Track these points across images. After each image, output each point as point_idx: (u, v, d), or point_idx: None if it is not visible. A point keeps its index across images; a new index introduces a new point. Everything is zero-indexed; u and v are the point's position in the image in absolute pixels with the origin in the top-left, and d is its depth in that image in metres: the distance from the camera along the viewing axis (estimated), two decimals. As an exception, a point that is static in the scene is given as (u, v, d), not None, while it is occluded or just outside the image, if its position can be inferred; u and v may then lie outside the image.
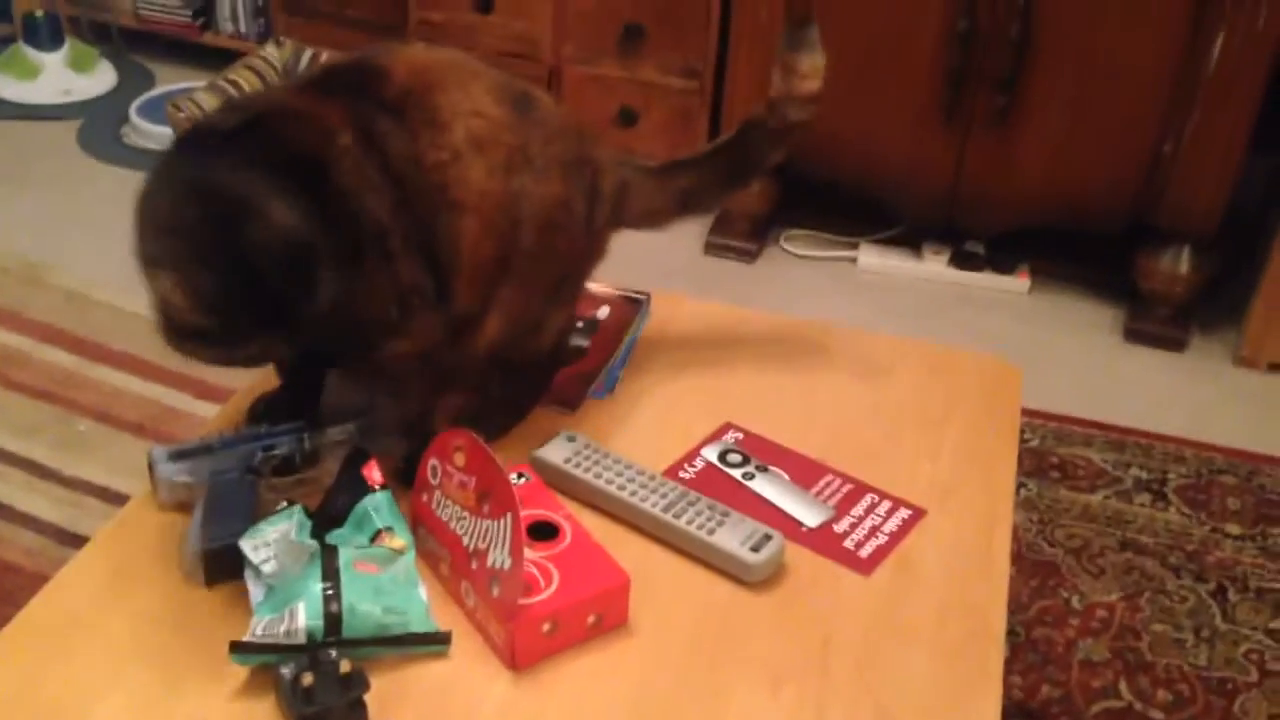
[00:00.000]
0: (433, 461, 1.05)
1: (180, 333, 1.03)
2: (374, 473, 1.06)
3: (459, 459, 1.02)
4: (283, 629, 0.94)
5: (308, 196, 0.98)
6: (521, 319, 1.15)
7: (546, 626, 0.97)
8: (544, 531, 1.04)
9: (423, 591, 0.99)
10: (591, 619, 1.00)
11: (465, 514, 1.01)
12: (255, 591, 0.98)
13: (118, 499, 1.90)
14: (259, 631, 0.94)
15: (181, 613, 1.00)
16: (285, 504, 1.04)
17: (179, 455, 1.11)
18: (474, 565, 0.99)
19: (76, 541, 1.82)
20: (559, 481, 1.14)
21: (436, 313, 1.08)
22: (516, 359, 1.19)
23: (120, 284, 2.41)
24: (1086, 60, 2.30)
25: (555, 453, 1.16)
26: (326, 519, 1.03)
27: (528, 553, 0.99)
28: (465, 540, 1.00)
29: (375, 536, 1.01)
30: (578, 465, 1.14)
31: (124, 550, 1.07)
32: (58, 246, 2.53)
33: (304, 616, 0.94)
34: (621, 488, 1.12)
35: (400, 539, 1.01)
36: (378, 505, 1.04)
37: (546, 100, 1.16)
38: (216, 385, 2.12)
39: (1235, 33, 2.18)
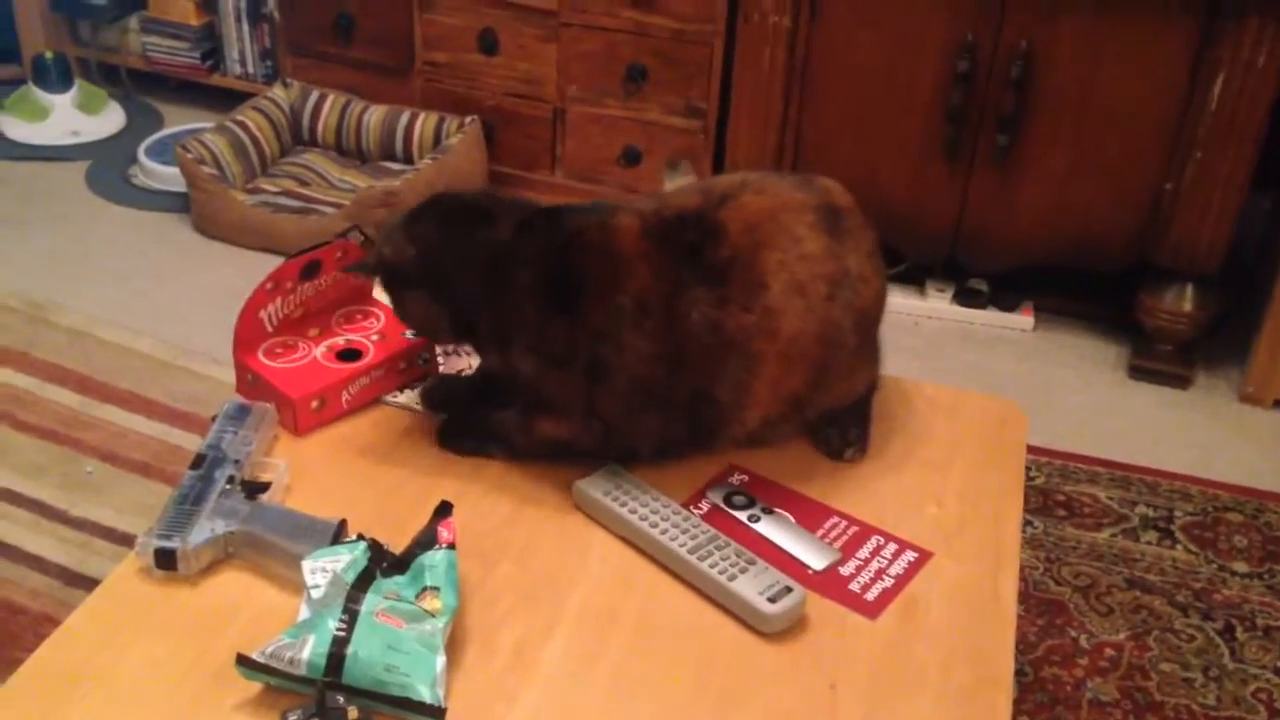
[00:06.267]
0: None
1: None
2: (446, 531, 1.08)
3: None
4: (289, 655, 0.96)
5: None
6: (848, 392, 1.29)
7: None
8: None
9: (440, 661, 0.98)
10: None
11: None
12: (303, 611, 1.02)
13: (125, 540, 1.90)
14: (268, 651, 0.97)
15: (189, 661, 1.01)
16: (357, 537, 1.07)
17: (167, 532, 1.10)
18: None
19: (84, 582, 1.82)
20: (596, 512, 1.18)
21: (595, 434, 1.21)
22: (856, 393, 1.31)
23: (128, 323, 2.43)
24: (1087, 99, 2.31)
25: (597, 485, 1.19)
26: (394, 562, 1.06)
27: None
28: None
29: (421, 593, 1.02)
30: (616, 499, 1.17)
31: (132, 596, 1.07)
32: (65, 286, 2.55)
33: (309, 649, 0.96)
34: (654, 525, 1.14)
35: (439, 602, 1.02)
36: (435, 563, 1.05)
37: (846, 202, 1.26)
38: (223, 425, 2.12)
39: (1235, 72, 2.19)
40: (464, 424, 1.28)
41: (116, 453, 2.08)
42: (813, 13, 2.39)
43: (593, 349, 1.17)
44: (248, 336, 1.31)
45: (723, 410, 1.20)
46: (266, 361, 1.30)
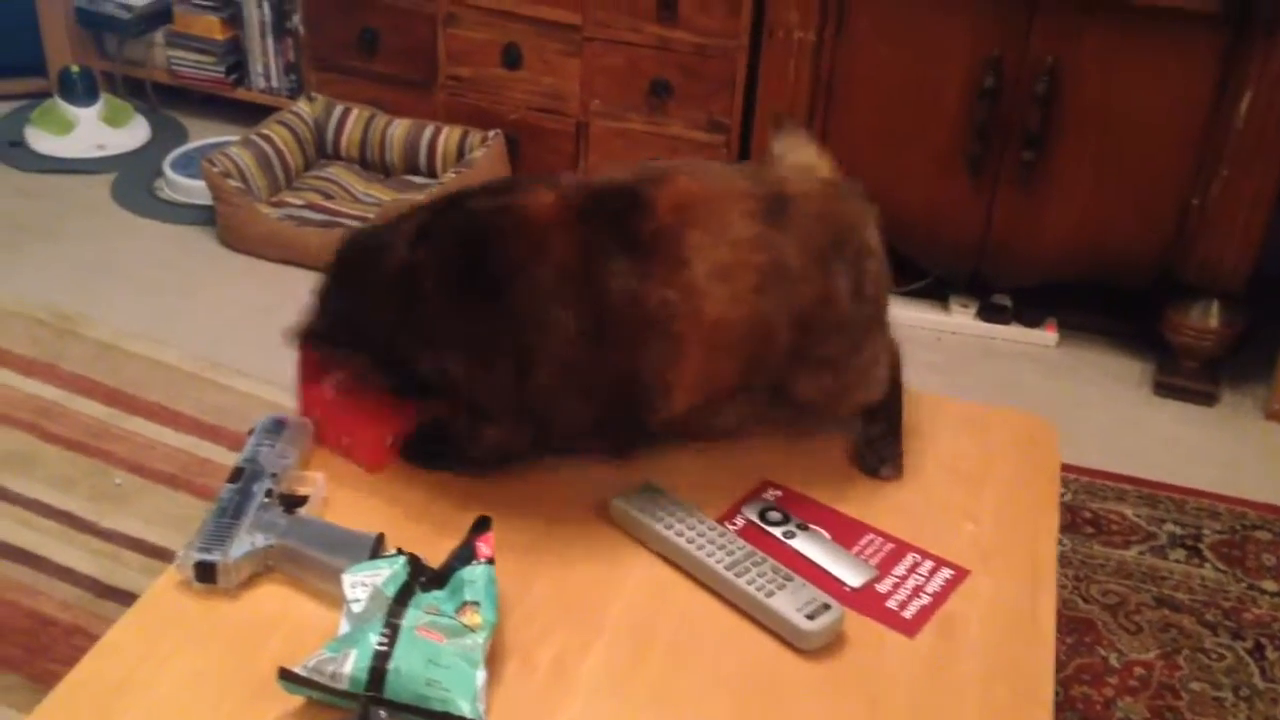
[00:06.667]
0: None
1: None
2: (484, 546, 1.08)
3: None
4: (330, 670, 0.96)
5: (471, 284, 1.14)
6: (816, 394, 1.24)
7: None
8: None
9: (481, 676, 0.98)
10: None
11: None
12: (343, 624, 1.02)
13: (154, 551, 1.90)
14: (310, 664, 0.97)
15: (230, 674, 1.01)
16: (397, 551, 1.07)
17: (207, 545, 1.10)
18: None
19: (114, 594, 1.82)
20: (632, 527, 1.18)
21: (523, 430, 1.19)
22: (852, 411, 1.29)
23: (154, 335, 2.44)
24: (1114, 115, 2.31)
25: (633, 501, 1.19)
26: (433, 576, 1.06)
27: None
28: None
29: (460, 608, 1.02)
30: (652, 515, 1.17)
31: (172, 609, 1.07)
32: (93, 299, 2.56)
33: (351, 664, 0.96)
34: (690, 541, 1.14)
35: (479, 617, 1.02)
36: (475, 578, 1.05)
37: (805, 189, 1.21)
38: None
39: (1263, 89, 2.19)
40: (426, 439, 1.26)
41: (145, 464, 2.09)
42: (838, 28, 2.39)
43: (518, 336, 1.13)
44: (312, 371, 1.29)
45: (648, 392, 1.16)
46: (334, 395, 1.28)
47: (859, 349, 1.25)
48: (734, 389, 1.19)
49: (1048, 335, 2.61)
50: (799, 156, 1.32)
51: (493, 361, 1.15)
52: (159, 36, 3.33)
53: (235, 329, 2.50)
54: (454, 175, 2.78)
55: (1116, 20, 2.24)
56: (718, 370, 1.17)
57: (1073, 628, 1.85)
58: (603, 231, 1.13)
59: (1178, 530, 2.07)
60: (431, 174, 2.96)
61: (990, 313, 2.63)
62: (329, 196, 2.91)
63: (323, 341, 1.25)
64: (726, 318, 1.14)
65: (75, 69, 3.23)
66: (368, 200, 2.90)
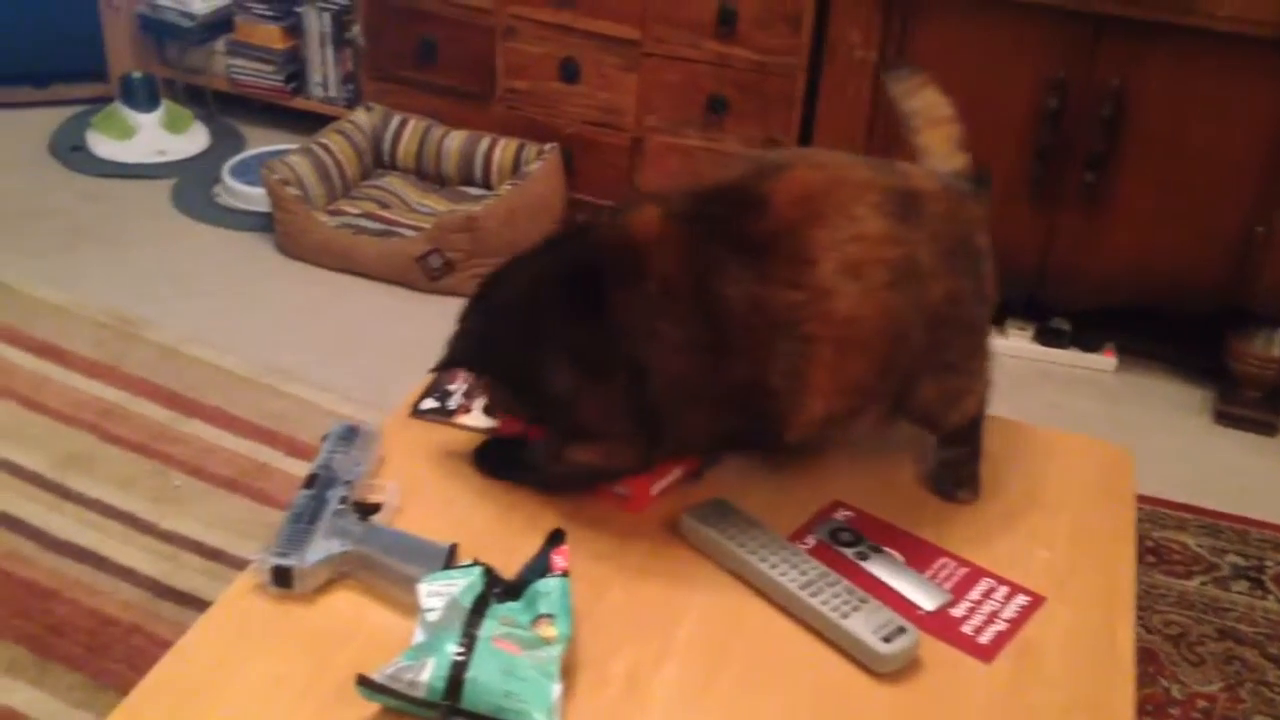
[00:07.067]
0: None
1: None
2: (560, 559, 1.08)
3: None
4: (408, 678, 0.96)
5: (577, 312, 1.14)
6: (934, 400, 1.21)
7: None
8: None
9: (557, 689, 0.98)
10: None
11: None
12: (418, 633, 1.01)
13: (213, 554, 1.92)
14: (388, 673, 0.97)
15: (306, 679, 1.01)
16: (472, 561, 1.07)
17: (284, 550, 1.10)
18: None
19: (173, 595, 1.84)
20: (703, 544, 1.17)
21: (636, 448, 1.17)
22: (954, 424, 1.25)
23: (213, 340, 2.46)
24: (1179, 139, 2.29)
25: (705, 517, 1.18)
26: (507, 587, 1.06)
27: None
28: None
29: (536, 620, 1.02)
30: (724, 532, 1.16)
31: (247, 614, 1.08)
32: (153, 302, 2.59)
33: (429, 673, 0.96)
34: (763, 559, 1.13)
35: (554, 629, 1.02)
36: (550, 590, 1.05)
37: (931, 188, 1.18)
38: (306, 443, 2.15)
39: (1333, 116, 2.17)
40: (500, 450, 1.27)
41: (204, 467, 2.11)
42: (901, 47, 2.39)
43: (627, 349, 1.12)
44: None
45: (779, 400, 1.12)
46: None
47: (978, 353, 1.23)
48: (870, 394, 1.16)
49: (1106, 360, 2.59)
50: (923, 98, 1.30)
51: (603, 376, 1.13)
52: (220, 44, 3.37)
53: (292, 335, 2.52)
54: (509, 187, 2.79)
55: (1183, 44, 2.22)
56: (853, 373, 1.13)
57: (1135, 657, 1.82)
58: (712, 240, 1.10)
59: (1240, 561, 2.04)
60: (487, 185, 2.97)
61: (1048, 336, 2.61)
62: (385, 206, 2.93)
63: (461, 365, 1.26)
64: (859, 315, 1.10)
65: (137, 75, 3.28)
66: (423, 210, 2.91)
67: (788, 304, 1.09)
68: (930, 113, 1.29)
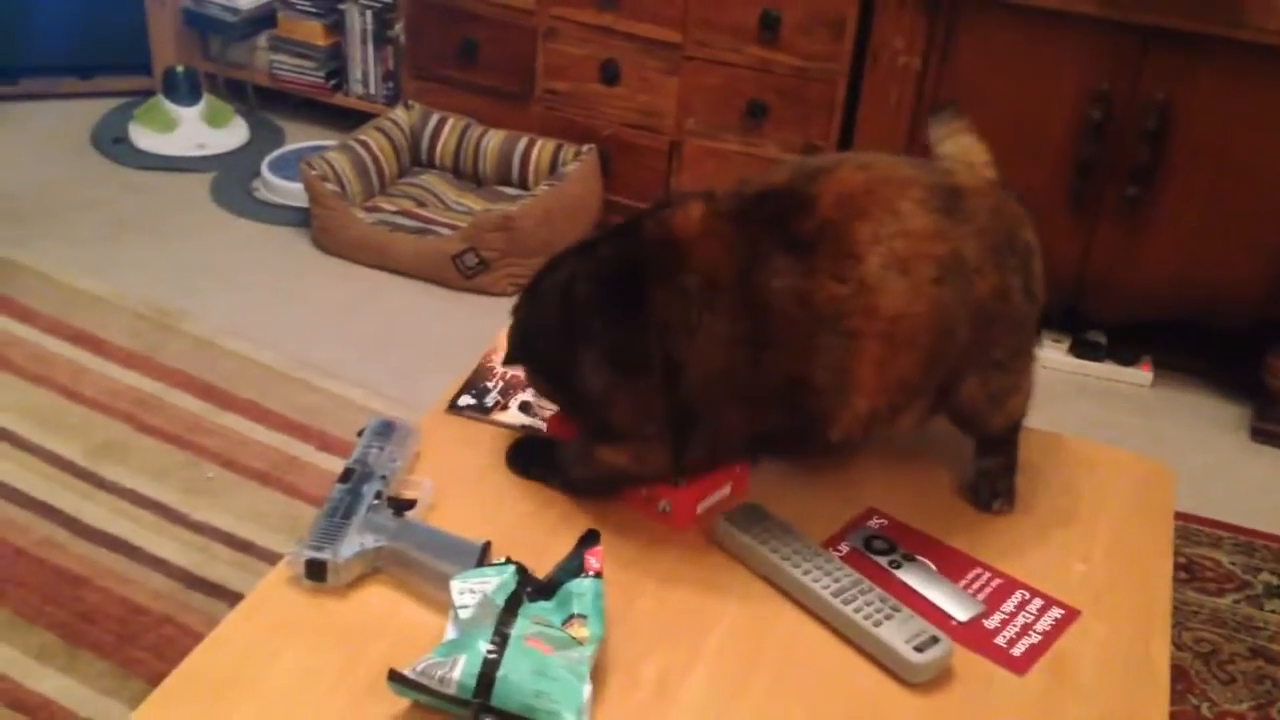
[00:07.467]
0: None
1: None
2: (594, 559, 1.08)
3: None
4: (439, 674, 0.97)
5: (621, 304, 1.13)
6: (980, 399, 1.21)
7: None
8: None
9: (587, 690, 0.98)
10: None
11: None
12: (450, 630, 1.02)
13: (243, 546, 1.93)
14: (419, 668, 0.97)
15: (338, 672, 1.02)
16: (505, 559, 1.07)
17: (319, 544, 1.10)
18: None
19: (202, 586, 1.85)
20: (736, 549, 1.17)
21: (666, 451, 1.16)
22: (999, 425, 1.26)
23: (249, 333, 2.48)
24: (1223, 154, 2.27)
25: (739, 522, 1.18)
26: (539, 587, 1.06)
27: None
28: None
29: (568, 620, 1.02)
30: (757, 537, 1.16)
31: (281, 606, 1.08)
32: (190, 295, 2.61)
33: (461, 670, 0.96)
34: (796, 565, 1.13)
35: (586, 630, 1.02)
36: (583, 591, 1.05)
37: (975, 184, 1.18)
38: (339, 438, 2.16)
39: (1380, 133, 2.14)
40: (532, 449, 1.27)
41: (236, 460, 2.12)
42: (944, 56, 2.38)
43: (665, 345, 1.11)
44: None
45: (824, 397, 1.12)
46: None
47: (1025, 352, 1.23)
48: (915, 391, 1.15)
49: (1142, 374, 2.57)
50: (958, 143, 1.30)
51: (640, 372, 1.13)
52: (262, 40, 3.39)
53: (327, 331, 2.53)
54: (546, 188, 2.79)
55: (1231, 57, 2.20)
56: (898, 369, 1.12)
57: (1165, 675, 1.81)
58: (760, 236, 1.10)
59: (1274, 580, 2.02)
60: (524, 186, 2.98)
61: (1084, 349, 2.59)
62: (422, 204, 2.94)
63: (513, 360, 1.27)
64: (906, 311, 1.10)
65: (180, 69, 3.31)
66: (460, 209, 2.92)
67: (833, 298, 1.09)
68: (965, 157, 1.29)
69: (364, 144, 2.96)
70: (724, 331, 1.10)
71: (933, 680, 1.05)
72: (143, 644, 1.75)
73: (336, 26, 3.31)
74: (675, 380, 1.12)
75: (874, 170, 1.15)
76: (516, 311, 1.24)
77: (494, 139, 3.00)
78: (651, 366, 1.12)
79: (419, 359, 2.43)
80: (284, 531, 1.94)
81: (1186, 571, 2.02)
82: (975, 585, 1.17)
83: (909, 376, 1.13)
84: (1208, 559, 2.06)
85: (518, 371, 1.34)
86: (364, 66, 3.31)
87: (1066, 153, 2.37)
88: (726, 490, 1.24)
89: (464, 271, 2.71)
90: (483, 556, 1.11)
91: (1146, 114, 2.27)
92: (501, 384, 1.38)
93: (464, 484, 1.24)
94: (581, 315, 1.16)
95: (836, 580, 1.11)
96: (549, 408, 1.32)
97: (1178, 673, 1.81)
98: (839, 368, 1.10)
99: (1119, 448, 1.40)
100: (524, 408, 1.35)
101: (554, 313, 1.18)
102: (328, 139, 3.15)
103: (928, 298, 1.10)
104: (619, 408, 1.16)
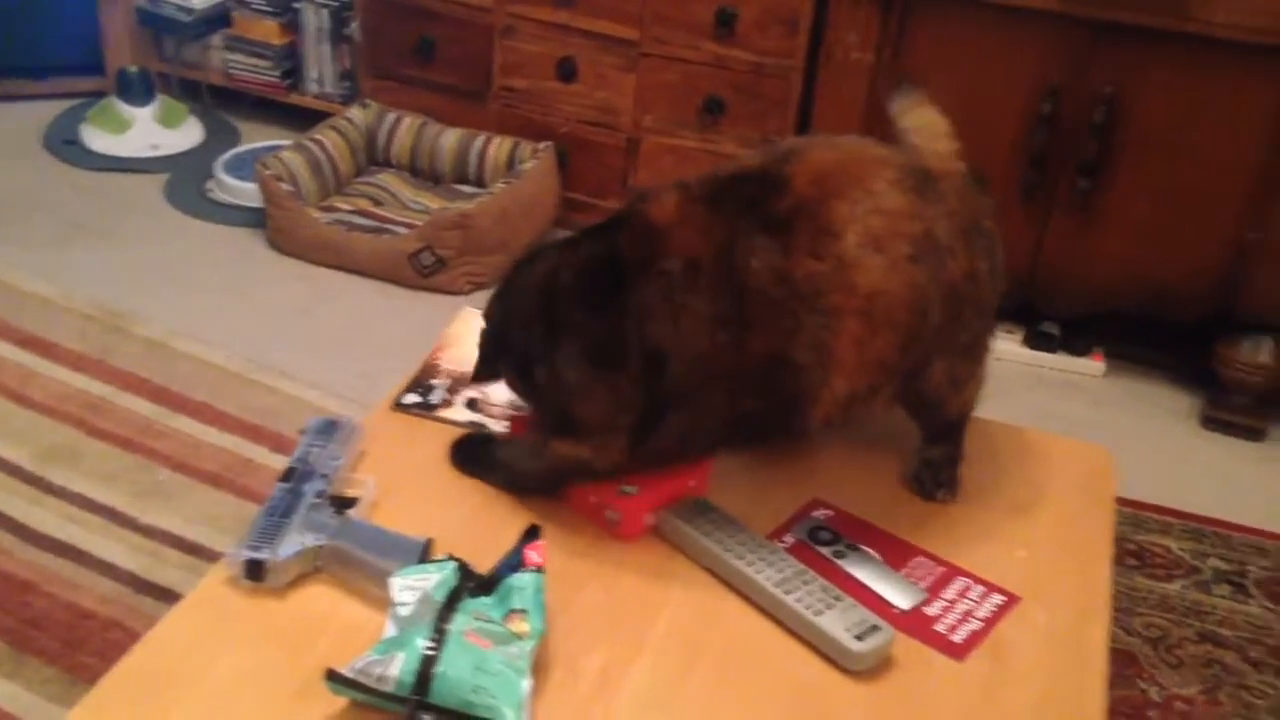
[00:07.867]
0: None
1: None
2: (535, 554, 1.07)
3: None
4: (377, 672, 0.96)
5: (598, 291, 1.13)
6: (943, 384, 1.21)
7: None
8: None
9: (527, 684, 0.97)
10: None
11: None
12: (389, 627, 1.02)
13: (194, 549, 1.91)
14: (357, 666, 0.97)
15: (276, 673, 1.01)
16: (447, 557, 1.07)
17: (257, 543, 1.10)
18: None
19: (151, 590, 1.83)
20: (680, 541, 1.17)
21: (625, 444, 1.15)
22: (954, 412, 1.26)
23: (203, 335, 2.46)
24: (1172, 146, 2.29)
25: (683, 515, 1.18)
26: (480, 582, 1.06)
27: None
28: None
29: (508, 615, 1.02)
30: (701, 529, 1.16)
31: (219, 606, 1.08)
32: (142, 297, 2.58)
33: (399, 667, 0.96)
34: (740, 557, 1.13)
35: (527, 625, 1.01)
36: (523, 585, 1.04)
37: (945, 168, 1.20)
38: (293, 439, 2.13)
39: (1324, 123, 2.17)
40: (475, 447, 1.27)
41: (188, 463, 2.11)
42: (897, 50, 2.39)
43: (646, 333, 1.10)
44: None
45: (805, 376, 1.12)
46: None
47: (985, 339, 1.24)
48: (891, 371, 1.15)
49: (1095, 365, 2.59)
50: (920, 115, 1.30)
51: (619, 364, 1.12)
52: (217, 39, 3.37)
53: (282, 331, 2.52)
54: (502, 186, 2.79)
55: (1179, 51, 2.22)
56: (877, 347, 1.12)
57: (1114, 660, 1.80)
58: (736, 217, 1.11)
59: (1223, 565, 2.04)
60: (480, 184, 2.97)
61: (1037, 341, 2.61)
62: (378, 203, 2.92)
63: (484, 371, 1.25)
64: (883, 287, 1.10)
65: (133, 69, 3.28)
66: (417, 208, 2.91)
67: (811, 275, 1.09)
68: (927, 130, 1.29)
69: (319, 143, 2.94)
70: (706, 312, 1.10)
71: (874, 668, 1.05)
72: (89, 649, 1.73)
73: (292, 25, 3.29)
74: (656, 370, 1.11)
75: (845, 150, 1.16)
76: (489, 314, 1.23)
77: (451, 137, 2.99)
78: (631, 357, 1.12)
79: (376, 359, 2.42)
80: (235, 534, 1.89)
81: (1136, 558, 2.04)
82: (918, 573, 1.18)
83: (886, 357, 1.14)
84: (1158, 545, 2.08)
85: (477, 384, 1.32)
86: (320, 65, 3.30)
87: (1019, 146, 2.38)
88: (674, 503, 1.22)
89: (421, 270, 2.70)
90: (424, 554, 1.11)
91: (1095, 108, 2.29)
92: (448, 381, 1.38)
93: (407, 482, 1.23)
94: (563, 308, 1.15)
95: (779, 571, 1.12)
96: (497, 405, 1.32)
97: (1127, 658, 1.83)
98: (819, 346, 1.11)
99: (1062, 436, 1.41)
100: (470, 405, 1.34)
101: (533, 306, 1.18)
102: (283, 139, 3.13)
103: (904, 275, 1.11)
104: (594, 400, 1.15)
